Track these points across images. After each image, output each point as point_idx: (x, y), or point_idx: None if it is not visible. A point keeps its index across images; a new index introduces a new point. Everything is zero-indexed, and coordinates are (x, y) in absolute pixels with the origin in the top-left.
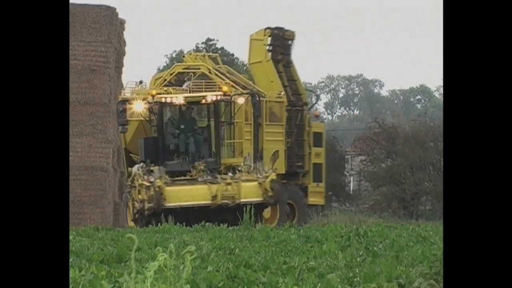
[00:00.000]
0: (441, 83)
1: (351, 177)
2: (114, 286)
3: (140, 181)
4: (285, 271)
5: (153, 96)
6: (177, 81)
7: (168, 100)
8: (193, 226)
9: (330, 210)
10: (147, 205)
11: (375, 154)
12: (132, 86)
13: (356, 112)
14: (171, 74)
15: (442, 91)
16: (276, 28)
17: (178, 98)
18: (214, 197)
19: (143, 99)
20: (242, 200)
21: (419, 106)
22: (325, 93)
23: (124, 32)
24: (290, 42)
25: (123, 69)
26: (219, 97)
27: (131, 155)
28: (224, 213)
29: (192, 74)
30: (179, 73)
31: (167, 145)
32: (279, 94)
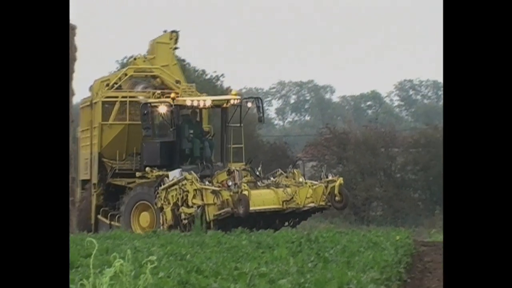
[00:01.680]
0: (391, 89)
1: None
2: None
3: (198, 185)
4: (236, 277)
5: (173, 99)
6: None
7: (195, 103)
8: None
9: None
10: (215, 210)
11: (326, 160)
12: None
13: (307, 118)
14: (124, 76)
15: (392, 97)
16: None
17: (206, 101)
18: (287, 202)
19: (165, 102)
20: (311, 204)
21: (370, 112)
22: (276, 99)
23: (75, 38)
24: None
25: (74, 75)
26: (237, 101)
27: (104, 159)
28: (291, 218)
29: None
30: (131, 76)
31: (183, 149)
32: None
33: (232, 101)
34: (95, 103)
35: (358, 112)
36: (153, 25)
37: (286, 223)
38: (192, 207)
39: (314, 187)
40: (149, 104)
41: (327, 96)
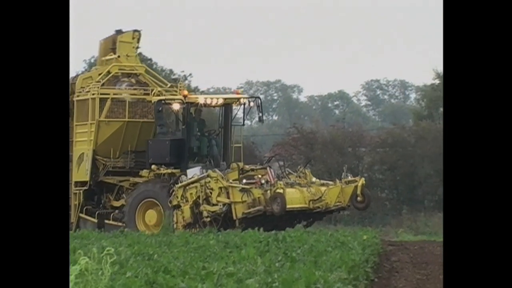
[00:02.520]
0: (359, 89)
1: None
2: None
3: (224, 183)
4: (204, 277)
5: (185, 96)
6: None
7: (208, 101)
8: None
9: None
10: (245, 208)
11: (294, 160)
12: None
13: (275, 117)
14: (108, 73)
15: (359, 97)
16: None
17: (219, 100)
18: (314, 201)
19: (177, 100)
20: (339, 204)
21: (337, 111)
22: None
23: None
24: None
25: None
26: (245, 100)
27: (97, 157)
28: (309, 218)
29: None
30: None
31: (191, 147)
32: None
33: (242, 100)
34: (82, 100)
35: (326, 112)
36: (116, 25)
37: (298, 223)
38: (216, 205)
39: (344, 187)
40: (163, 101)
41: (295, 95)
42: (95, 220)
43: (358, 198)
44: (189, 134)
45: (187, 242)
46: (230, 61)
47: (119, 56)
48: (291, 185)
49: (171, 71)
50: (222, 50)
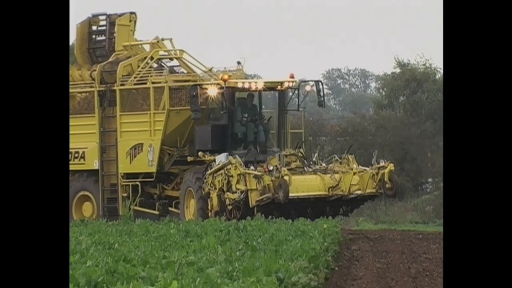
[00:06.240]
0: (319, 77)
1: None
2: None
3: (241, 170)
4: (164, 266)
5: (225, 81)
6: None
7: (247, 86)
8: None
9: None
10: (257, 196)
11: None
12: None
13: None
14: (151, 59)
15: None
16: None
17: (258, 83)
18: (333, 188)
19: (216, 84)
20: (358, 192)
21: (297, 100)
22: None
23: None
24: None
25: None
26: (292, 83)
27: (164, 147)
28: (337, 205)
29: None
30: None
31: (236, 133)
32: None
33: (286, 84)
34: (129, 89)
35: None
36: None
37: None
38: (236, 192)
39: (361, 173)
40: (198, 86)
41: None
42: (156, 212)
43: (387, 185)
44: (232, 119)
45: (147, 231)
46: (190, 48)
47: (158, 41)
48: (314, 172)
49: None
50: (184, 36)
